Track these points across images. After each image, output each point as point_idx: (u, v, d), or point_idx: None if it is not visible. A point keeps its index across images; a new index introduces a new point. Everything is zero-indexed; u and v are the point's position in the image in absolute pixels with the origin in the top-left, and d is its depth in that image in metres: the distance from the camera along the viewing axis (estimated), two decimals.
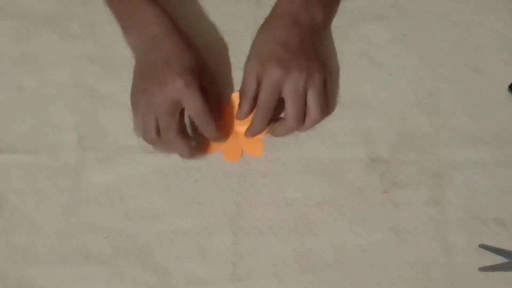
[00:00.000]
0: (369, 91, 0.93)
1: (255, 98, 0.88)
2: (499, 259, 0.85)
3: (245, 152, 0.90)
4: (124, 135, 0.92)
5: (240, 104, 0.89)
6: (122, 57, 0.95)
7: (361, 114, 0.92)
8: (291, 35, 0.89)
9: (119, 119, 0.92)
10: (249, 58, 0.90)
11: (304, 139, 0.91)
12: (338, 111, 0.92)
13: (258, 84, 0.87)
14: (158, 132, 0.85)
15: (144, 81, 0.87)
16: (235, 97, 0.91)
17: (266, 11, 0.96)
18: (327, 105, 0.89)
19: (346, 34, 0.96)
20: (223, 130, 0.91)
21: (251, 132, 0.89)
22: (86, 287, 0.86)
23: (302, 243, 0.86)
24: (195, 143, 0.89)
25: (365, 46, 0.96)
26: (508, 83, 0.93)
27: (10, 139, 0.92)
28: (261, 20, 0.95)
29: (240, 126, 0.91)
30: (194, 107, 0.85)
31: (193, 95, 0.84)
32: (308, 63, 0.87)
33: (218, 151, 0.91)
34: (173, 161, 0.89)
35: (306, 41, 0.90)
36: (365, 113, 0.92)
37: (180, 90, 0.84)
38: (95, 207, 0.89)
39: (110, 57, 0.96)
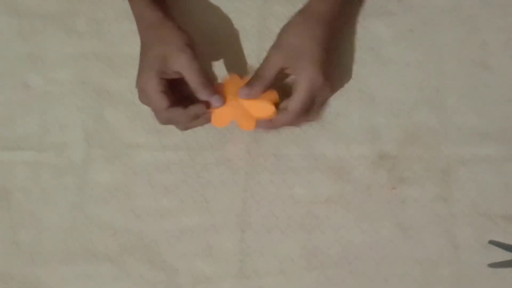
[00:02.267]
0: (376, 87, 0.93)
1: (268, 86, 0.87)
2: (508, 256, 0.84)
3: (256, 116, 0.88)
4: (131, 132, 0.92)
5: (251, 84, 0.87)
6: (129, 54, 0.95)
7: (367, 111, 0.92)
8: (323, 37, 0.88)
9: (125, 116, 0.92)
10: (277, 48, 0.88)
11: (311, 136, 0.91)
12: (344, 108, 0.92)
13: (277, 74, 0.87)
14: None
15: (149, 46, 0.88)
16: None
17: (273, 7, 0.96)
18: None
19: (353, 30, 0.96)
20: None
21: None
22: (93, 285, 0.86)
23: (309, 240, 0.86)
24: None
25: (372, 42, 0.95)
26: None
27: (16, 137, 0.92)
28: (268, 16, 0.96)
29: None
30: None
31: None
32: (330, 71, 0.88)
33: (232, 121, 0.88)
34: (180, 159, 0.89)
35: (331, 45, 0.90)
36: (372, 109, 0.92)
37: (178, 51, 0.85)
38: (102, 205, 0.89)
39: (117, 55, 0.95)
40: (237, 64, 0.94)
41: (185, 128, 0.88)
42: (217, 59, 0.95)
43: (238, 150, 0.90)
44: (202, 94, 0.85)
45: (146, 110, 0.89)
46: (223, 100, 0.86)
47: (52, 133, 0.92)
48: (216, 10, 0.98)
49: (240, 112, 0.87)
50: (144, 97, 0.86)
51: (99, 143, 0.92)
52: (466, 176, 0.89)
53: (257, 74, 0.88)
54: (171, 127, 0.88)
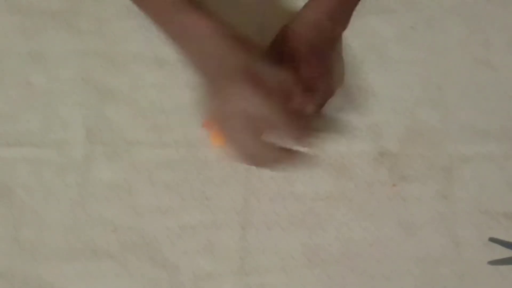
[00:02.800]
0: (377, 84, 0.93)
1: None
2: (509, 253, 0.84)
3: None
4: (132, 130, 0.92)
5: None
6: (130, 52, 0.95)
7: (369, 108, 0.92)
8: (319, 40, 0.89)
9: (127, 114, 0.93)
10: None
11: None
12: (346, 105, 0.92)
13: None
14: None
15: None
16: None
17: (273, 3, 0.96)
18: None
19: (354, 28, 0.95)
20: None
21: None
22: (94, 282, 0.86)
23: (310, 238, 0.86)
24: None
25: (373, 40, 0.95)
26: None
27: (18, 134, 0.92)
28: (268, 12, 0.95)
29: None
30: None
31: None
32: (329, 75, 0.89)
33: None
34: (181, 156, 0.89)
35: (328, 53, 0.91)
36: (373, 107, 0.92)
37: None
38: (103, 202, 0.89)
39: (118, 53, 0.95)
40: None
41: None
42: None
43: None
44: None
45: (147, 107, 0.90)
46: None
47: (54, 130, 0.92)
48: (215, 5, 0.98)
49: None
50: (244, 103, 0.79)
51: (100, 140, 0.92)
52: (467, 174, 0.88)
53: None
54: (172, 124, 0.89)
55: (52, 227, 0.88)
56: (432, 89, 0.93)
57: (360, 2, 0.95)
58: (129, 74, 0.94)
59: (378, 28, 0.96)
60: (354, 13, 0.95)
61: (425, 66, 0.94)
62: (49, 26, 0.98)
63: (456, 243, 0.86)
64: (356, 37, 0.95)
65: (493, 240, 0.85)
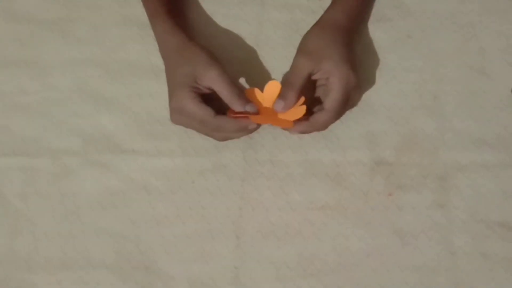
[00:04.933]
0: (373, 93, 0.93)
1: (299, 94, 0.86)
2: None
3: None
4: (128, 139, 0.92)
5: (284, 96, 0.86)
6: (126, 60, 0.95)
7: (365, 117, 0.92)
8: (344, 42, 0.89)
9: (122, 123, 0.93)
10: (301, 55, 0.88)
11: (308, 142, 0.90)
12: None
13: (306, 80, 0.87)
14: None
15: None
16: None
17: (270, 13, 0.96)
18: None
19: None
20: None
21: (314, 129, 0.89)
22: None
23: (306, 247, 0.86)
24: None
25: (370, 48, 0.95)
26: None
27: (13, 143, 0.92)
28: (265, 22, 0.95)
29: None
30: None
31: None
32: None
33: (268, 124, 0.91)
34: (177, 165, 0.89)
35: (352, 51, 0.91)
36: (369, 115, 0.92)
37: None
38: (99, 211, 0.89)
39: (114, 61, 0.96)
40: (235, 70, 0.94)
41: (224, 138, 0.89)
42: None
43: (234, 156, 0.90)
44: (236, 104, 0.86)
45: (143, 116, 0.91)
46: (257, 107, 0.87)
47: (49, 139, 0.92)
48: (214, 16, 0.98)
49: (275, 117, 0.87)
50: (184, 114, 0.86)
51: (95, 149, 0.91)
52: (463, 182, 0.88)
53: (287, 84, 0.87)
54: (167, 133, 0.89)
55: (47, 236, 0.88)
56: (428, 97, 0.93)
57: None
58: (125, 83, 0.94)
59: (374, 36, 0.96)
60: None
61: (420, 74, 0.94)
62: (45, 34, 0.98)
63: (452, 252, 0.85)
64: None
65: None
